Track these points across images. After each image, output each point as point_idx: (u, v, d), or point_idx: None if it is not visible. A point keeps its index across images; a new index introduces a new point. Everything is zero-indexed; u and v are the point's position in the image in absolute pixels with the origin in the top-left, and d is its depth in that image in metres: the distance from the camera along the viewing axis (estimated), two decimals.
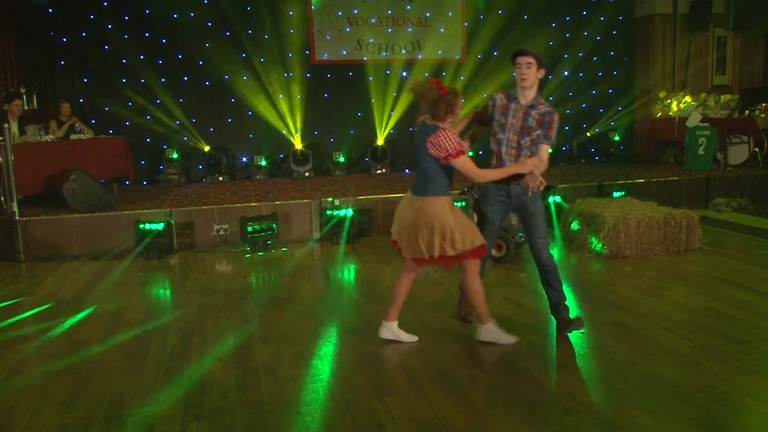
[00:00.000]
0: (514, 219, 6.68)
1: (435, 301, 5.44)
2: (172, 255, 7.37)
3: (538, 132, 4.38)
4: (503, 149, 4.44)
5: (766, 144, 10.52)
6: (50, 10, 9.95)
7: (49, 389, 3.89)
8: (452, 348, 4.38)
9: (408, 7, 11.23)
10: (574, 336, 4.51)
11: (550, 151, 4.57)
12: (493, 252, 6.65)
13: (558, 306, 4.54)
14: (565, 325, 4.49)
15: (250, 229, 7.44)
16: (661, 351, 4.20)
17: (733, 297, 5.27)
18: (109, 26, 10.10)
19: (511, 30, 11.40)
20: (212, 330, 4.87)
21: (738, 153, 10.41)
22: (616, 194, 8.51)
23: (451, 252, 4.11)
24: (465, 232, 4.14)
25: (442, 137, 4.00)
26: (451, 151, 4.00)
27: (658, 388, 3.66)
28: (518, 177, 4.38)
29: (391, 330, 4.46)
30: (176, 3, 10.33)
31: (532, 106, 4.40)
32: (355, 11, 11.07)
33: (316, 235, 7.98)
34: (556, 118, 4.40)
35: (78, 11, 10.05)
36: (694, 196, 9.30)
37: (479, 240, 4.20)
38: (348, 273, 6.60)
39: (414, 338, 4.47)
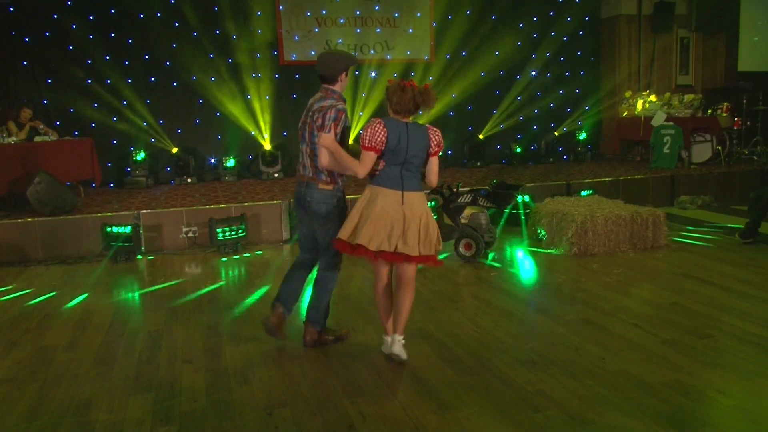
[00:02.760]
0: (483, 218, 6.73)
1: None
2: (140, 258, 7.29)
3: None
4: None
5: (728, 142, 10.74)
6: (11, 9, 9.75)
7: (13, 397, 3.82)
8: (422, 348, 4.40)
9: (376, 8, 11.23)
10: (543, 333, 4.57)
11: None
12: (463, 251, 6.69)
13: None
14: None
15: (219, 230, 7.39)
16: (628, 346, 4.27)
17: (697, 292, 5.37)
18: (74, 26, 9.93)
19: (479, 30, 11.48)
20: (181, 333, 4.82)
21: (701, 151, 10.62)
22: (583, 193, 8.61)
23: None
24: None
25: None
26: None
27: (625, 383, 3.72)
28: None
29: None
30: (142, 3, 10.20)
31: None
32: (324, 12, 11.04)
33: (286, 235, 7.95)
34: None
35: (41, 11, 9.85)
36: (659, 193, 9.46)
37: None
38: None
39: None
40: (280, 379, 3.93)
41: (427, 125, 4.12)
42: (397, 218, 3.98)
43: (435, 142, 4.08)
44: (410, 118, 4.08)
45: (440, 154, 4.18)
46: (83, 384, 3.96)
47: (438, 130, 4.12)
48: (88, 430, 3.38)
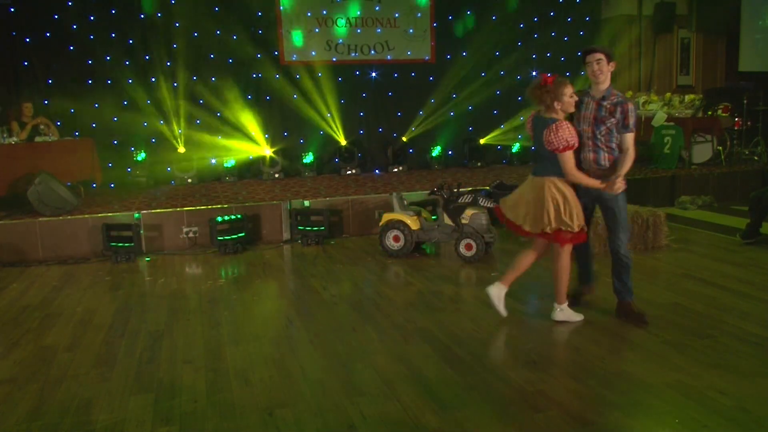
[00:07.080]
0: (484, 219, 6.73)
1: (406, 301, 5.46)
2: (141, 258, 7.29)
3: (612, 121, 4.56)
4: (581, 140, 4.66)
5: (728, 143, 10.73)
6: (12, 10, 9.74)
7: (14, 397, 3.82)
8: (423, 347, 4.40)
9: (377, 8, 11.24)
10: (543, 333, 4.57)
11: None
12: (464, 252, 6.69)
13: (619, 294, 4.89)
14: (626, 311, 4.81)
15: (219, 230, 7.39)
16: (629, 347, 4.27)
17: (698, 293, 5.37)
18: (74, 26, 9.93)
19: (480, 31, 11.48)
20: (182, 333, 4.82)
21: (702, 152, 10.60)
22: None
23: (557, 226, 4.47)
24: (564, 213, 4.47)
25: (553, 133, 4.38)
26: (557, 146, 4.38)
27: (626, 383, 3.71)
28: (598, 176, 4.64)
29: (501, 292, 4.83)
30: (143, 3, 10.19)
31: (603, 98, 4.64)
32: (324, 12, 11.04)
33: (286, 236, 7.95)
34: (628, 107, 4.57)
35: (42, 11, 9.84)
36: (660, 194, 9.44)
37: (576, 225, 4.50)
38: (318, 274, 6.58)
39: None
40: (280, 379, 3.93)
41: (553, 118, 4.47)
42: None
43: (545, 139, 4.46)
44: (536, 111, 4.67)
45: None
46: (84, 384, 3.96)
47: (553, 127, 4.42)
48: (89, 430, 3.38)
